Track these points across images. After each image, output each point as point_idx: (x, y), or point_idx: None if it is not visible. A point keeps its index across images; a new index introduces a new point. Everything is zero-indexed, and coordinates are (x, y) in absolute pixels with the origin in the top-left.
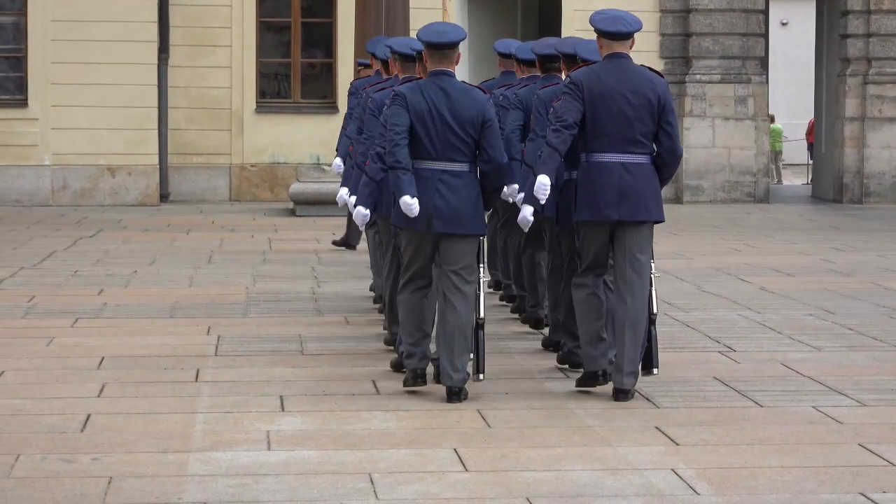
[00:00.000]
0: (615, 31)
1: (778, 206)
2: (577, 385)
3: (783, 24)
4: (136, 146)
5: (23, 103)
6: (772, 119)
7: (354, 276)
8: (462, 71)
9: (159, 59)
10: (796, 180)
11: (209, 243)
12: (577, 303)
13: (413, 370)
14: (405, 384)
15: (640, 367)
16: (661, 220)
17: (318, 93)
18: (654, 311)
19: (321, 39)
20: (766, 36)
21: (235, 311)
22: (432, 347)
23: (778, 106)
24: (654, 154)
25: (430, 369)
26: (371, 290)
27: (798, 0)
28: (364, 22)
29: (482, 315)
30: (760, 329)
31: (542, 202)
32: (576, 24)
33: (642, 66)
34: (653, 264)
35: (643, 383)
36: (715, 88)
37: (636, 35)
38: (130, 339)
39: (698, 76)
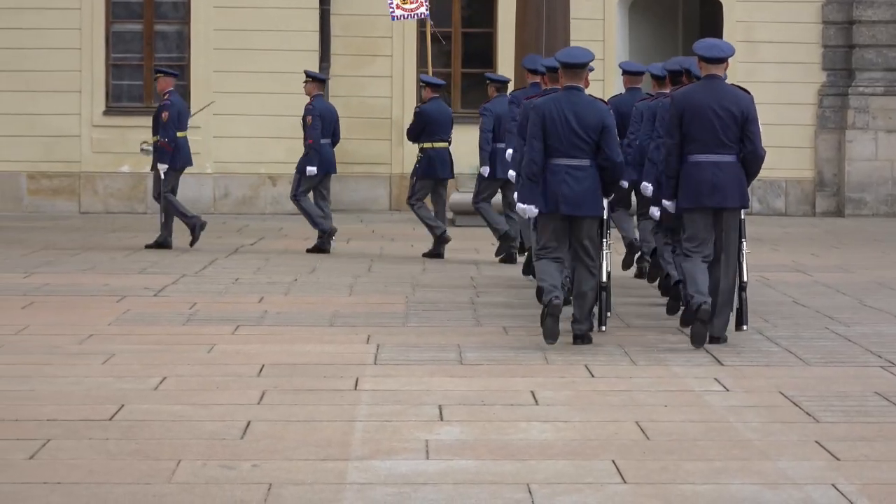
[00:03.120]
0: (710, 57)
1: None
2: (681, 324)
3: None
4: (297, 155)
5: None
6: None
7: (514, 286)
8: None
9: (320, 68)
10: None
11: (369, 252)
12: (686, 267)
13: (547, 305)
14: (543, 320)
15: (731, 322)
16: (746, 207)
17: (479, 103)
18: (745, 279)
19: (481, 49)
20: None
21: (395, 321)
22: None
23: None
24: (740, 154)
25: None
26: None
27: None
28: (524, 32)
29: (605, 279)
30: None
31: (656, 208)
32: (737, 34)
33: (732, 84)
34: (744, 242)
35: (804, 398)
36: (878, 101)
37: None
38: (290, 347)
39: (861, 88)
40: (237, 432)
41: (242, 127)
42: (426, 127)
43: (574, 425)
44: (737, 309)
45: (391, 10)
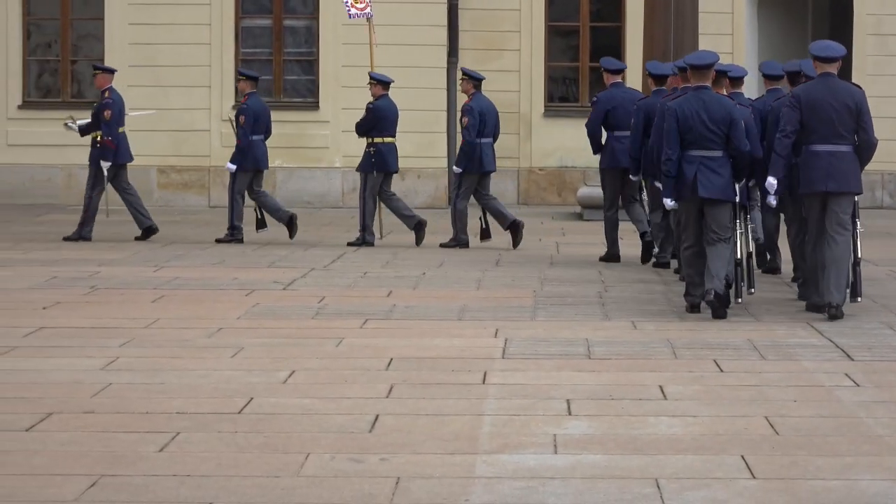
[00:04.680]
0: (825, 56)
1: None
2: (807, 308)
3: None
4: (426, 149)
5: (314, 106)
6: None
7: (642, 280)
8: (751, 82)
9: (448, 62)
10: None
11: (497, 246)
12: (808, 255)
13: (691, 304)
14: (687, 310)
15: (847, 294)
16: (860, 192)
17: None
18: (860, 256)
19: (610, 43)
20: None
21: (523, 314)
22: None
23: None
24: (855, 144)
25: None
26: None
27: None
28: (653, 26)
29: (738, 255)
30: None
31: (773, 197)
32: (867, 27)
33: (845, 81)
34: (858, 222)
35: None
36: None
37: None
38: (419, 341)
39: None
40: (365, 426)
41: None
42: (378, 123)
43: (703, 420)
44: (851, 283)
45: (347, 8)
